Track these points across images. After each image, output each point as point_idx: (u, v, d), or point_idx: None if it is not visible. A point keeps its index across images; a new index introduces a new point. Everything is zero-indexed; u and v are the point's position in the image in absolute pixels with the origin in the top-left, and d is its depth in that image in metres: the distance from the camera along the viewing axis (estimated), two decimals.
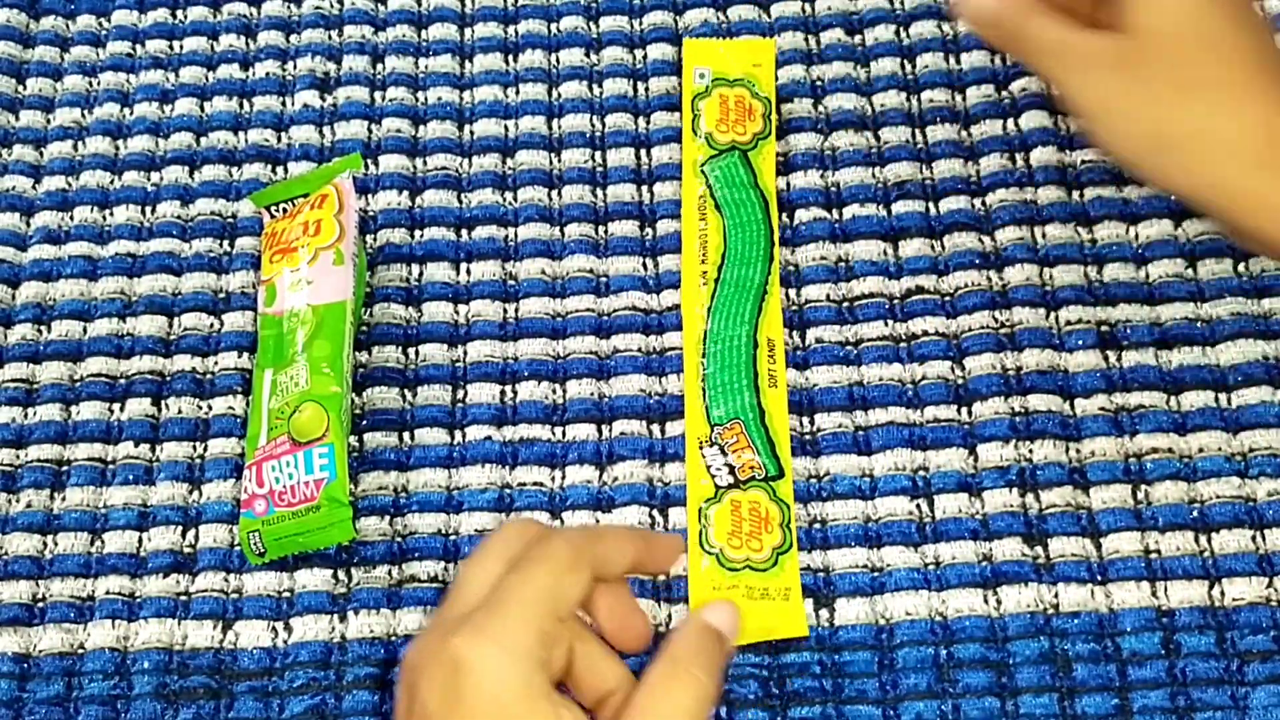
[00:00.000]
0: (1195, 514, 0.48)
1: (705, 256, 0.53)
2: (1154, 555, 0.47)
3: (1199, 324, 0.52)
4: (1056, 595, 0.47)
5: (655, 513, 0.50)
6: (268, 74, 0.61)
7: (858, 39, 0.60)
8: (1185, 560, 0.47)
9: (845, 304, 0.53)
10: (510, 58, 0.61)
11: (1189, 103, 0.40)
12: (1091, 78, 0.42)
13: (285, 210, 0.54)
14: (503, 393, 0.53)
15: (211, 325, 0.55)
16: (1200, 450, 0.49)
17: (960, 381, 0.51)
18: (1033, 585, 0.47)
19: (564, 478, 0.51)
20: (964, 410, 0.51)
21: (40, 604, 0.49)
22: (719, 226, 0.54)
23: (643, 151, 0.58)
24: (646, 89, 0.59)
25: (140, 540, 0.50)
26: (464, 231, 0.56)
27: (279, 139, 0.59)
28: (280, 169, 0.59)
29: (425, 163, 0.58)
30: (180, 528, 0.50)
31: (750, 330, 0.51)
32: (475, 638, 0.34)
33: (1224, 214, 0.41)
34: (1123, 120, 0.41)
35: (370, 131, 0.59)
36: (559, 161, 0.58)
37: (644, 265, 0.55)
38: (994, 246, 0.54)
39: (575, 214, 0.56)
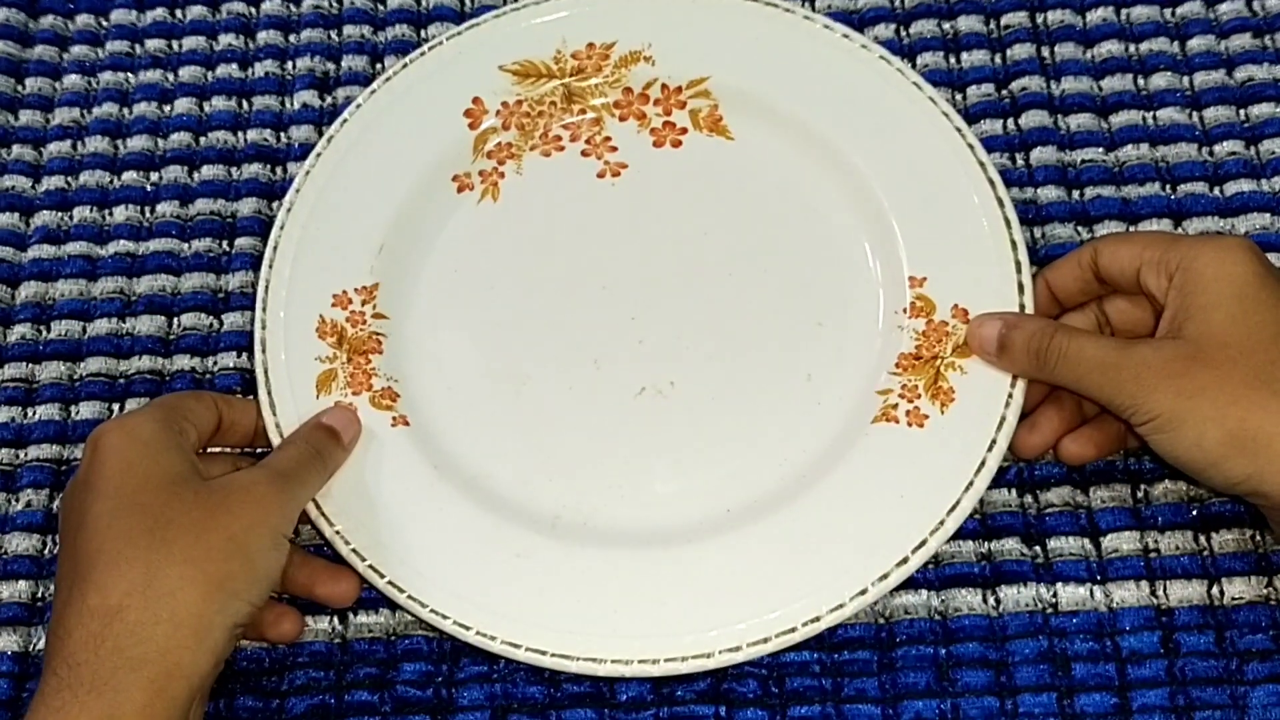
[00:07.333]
0: (1194, 513, 0.48)
1: None
2: (1153, 554, 0.47)
3: None
4: (1055, 594, 0.47)
5: None
6: (267, 73, 0.61)
7: None
8: (1184, 559, 0.47)
9: None
10: None
11: (1269, 399, 0.40)
12: (1160, 387, 0.41)
13: None
14: None
15: (211, 325, 0.55)
16: None
17: None
18: (1032, 584, 0.47)
19: None
20: None
21: (40, 604, 0.49)
22: None
23: None
24: None
25: None
26: None
27: (278, 138, 0.59)
28: (280, 168, 0.59)
29: None
30: None
31: None
32: (109, 424, 0.44)
33: None
34: (1198, 424, 0.41)
35: None
36: None
37: None
38: None
39: None
